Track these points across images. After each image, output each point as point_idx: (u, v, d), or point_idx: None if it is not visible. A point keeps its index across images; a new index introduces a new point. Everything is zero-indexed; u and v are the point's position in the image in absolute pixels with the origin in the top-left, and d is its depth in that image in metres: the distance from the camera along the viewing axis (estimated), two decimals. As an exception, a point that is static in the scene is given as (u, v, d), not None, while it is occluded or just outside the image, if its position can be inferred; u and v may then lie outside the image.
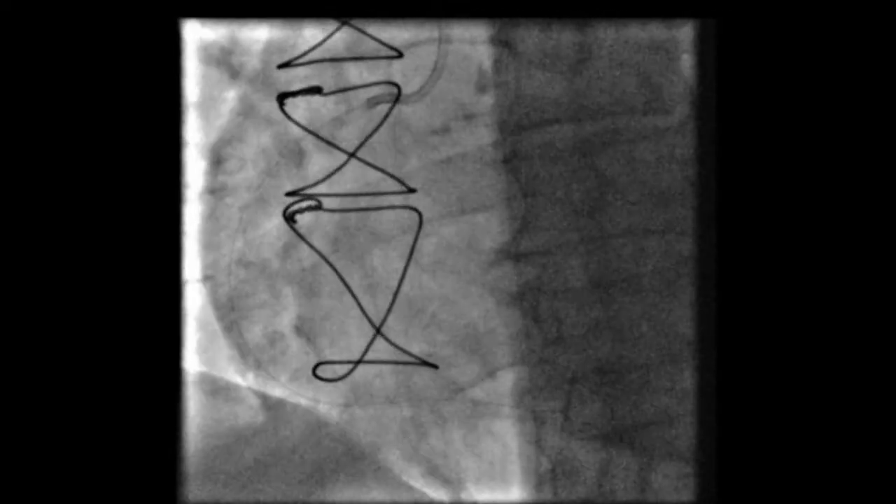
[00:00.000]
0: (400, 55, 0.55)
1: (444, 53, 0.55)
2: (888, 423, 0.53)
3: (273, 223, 0.56)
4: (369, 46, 0.56)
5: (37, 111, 0.53)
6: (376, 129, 0.56)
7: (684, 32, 0.55)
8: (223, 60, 0.56)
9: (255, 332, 0.56)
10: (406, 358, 0.56)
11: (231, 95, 0.56)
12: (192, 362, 0.56)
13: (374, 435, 0.56)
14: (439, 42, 0.55)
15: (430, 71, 0.55)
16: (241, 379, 0.56)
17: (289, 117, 0.56)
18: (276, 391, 0.56)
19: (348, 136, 0.56)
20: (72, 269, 0.53)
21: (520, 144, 0.55)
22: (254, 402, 0.56)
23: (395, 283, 0.56)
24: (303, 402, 0.56)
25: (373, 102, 0.55)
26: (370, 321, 0.56)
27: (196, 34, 0.56)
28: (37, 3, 0.54)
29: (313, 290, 0.56)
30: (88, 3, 0.54)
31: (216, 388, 0.56)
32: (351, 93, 0.56)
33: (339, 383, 0.56)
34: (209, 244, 0.56)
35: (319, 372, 0.56)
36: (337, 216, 0.56)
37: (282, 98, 0.56)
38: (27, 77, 0.53)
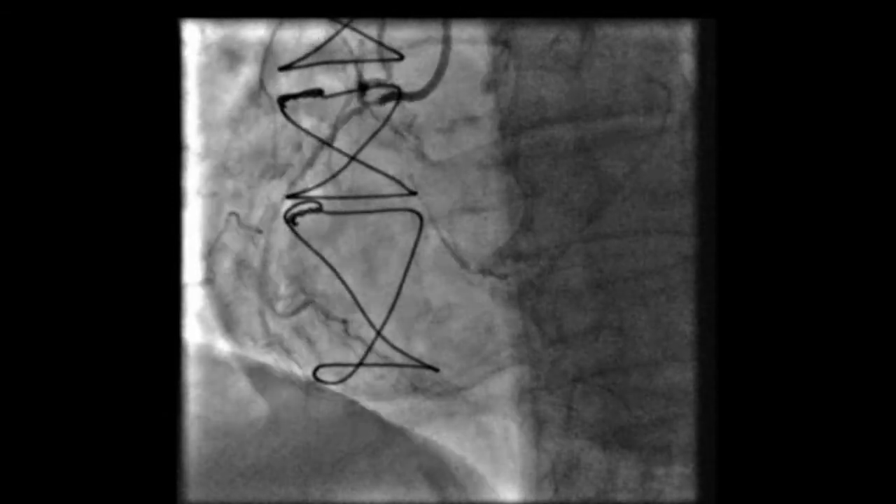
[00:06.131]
0: (401, 57, 0.55)
1: (445, 54, 0.55)
2: (888, 423, 0.53)
3: (274, 225, 0.56)
4: (370, 48, 0.56)
5: (36, 112, 0.53)
6: (377, 131, 0.56)
7: (684, 32, 0.55)
8: (223, 61, 0.56)
9: (254, 333, 0.56)
10: (406, 360, 0.56)
11: (231, 97, 0.56)
12: (192, 362, 0.56)
13: (375, 434, 0.56)
14: (439, 42, 0.55)
15: (432, 72, 0.55)
16: (241, 378, 0.56)
17: (290, 119, 0.56)
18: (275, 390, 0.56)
19: (349, 138, 0.56)
20: (72, 272, 0.53)
21: (520, 144, 0.55)
22: (256, 401, 0.56)
23: (395, 285, 0.56)
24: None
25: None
26: (371, 323, 0.56)
27: (196, 35, 0.56)
28: (37, 2, 0.53)
29: (313, 292, 0.56)
30: (88, 2, 0.54)
31: (214, 381, 0.56)
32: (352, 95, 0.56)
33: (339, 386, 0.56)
34: (209, 247, 0.56)
35: (320, 374, 0.56)
36: (338, 218, 0.56)
37: (283, 100, 0.56)
38: (27, 77, 0.53)
